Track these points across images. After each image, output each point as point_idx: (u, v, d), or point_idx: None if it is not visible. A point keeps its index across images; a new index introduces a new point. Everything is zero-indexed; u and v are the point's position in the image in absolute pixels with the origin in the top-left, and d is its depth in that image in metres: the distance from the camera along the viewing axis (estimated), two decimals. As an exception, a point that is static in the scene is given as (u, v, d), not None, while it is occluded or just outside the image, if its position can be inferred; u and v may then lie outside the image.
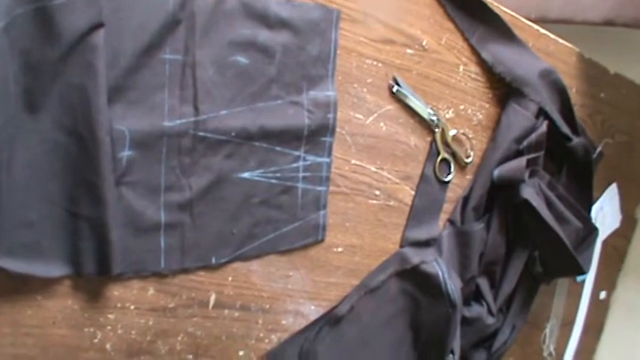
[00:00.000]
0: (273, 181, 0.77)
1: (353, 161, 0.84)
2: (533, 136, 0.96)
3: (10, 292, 0.64)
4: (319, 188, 0.80)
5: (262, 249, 0.78)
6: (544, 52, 1.01)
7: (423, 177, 0.91)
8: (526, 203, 0.94)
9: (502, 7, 0.94)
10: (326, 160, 0.80)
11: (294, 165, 0.78)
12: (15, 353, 0.66)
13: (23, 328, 0.66)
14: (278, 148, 0.76)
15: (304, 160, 0.79)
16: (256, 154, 0.75)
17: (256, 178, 0.76)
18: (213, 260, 0.75)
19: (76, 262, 0.66)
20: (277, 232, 0.79)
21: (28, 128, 0.62)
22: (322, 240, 0.83)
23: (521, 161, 0.95)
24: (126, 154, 0.67)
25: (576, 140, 1.03)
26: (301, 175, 0.79)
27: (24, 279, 0.64)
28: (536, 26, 1.00)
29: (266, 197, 0.77)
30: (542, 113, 0.98)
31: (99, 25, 0.62)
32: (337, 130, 0.81)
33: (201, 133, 0.71)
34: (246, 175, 0.75)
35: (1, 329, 0.65)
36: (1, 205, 0.61)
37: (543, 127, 0.97)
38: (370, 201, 0.87)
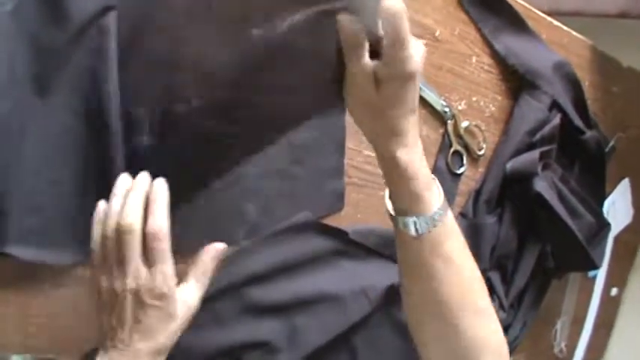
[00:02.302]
0: None
1: (365, 152, 0.83)
2: (546, 129, 0.95)
3: (18, 281, 0.63)
4: None
5: None
6: (557, 45, 1.00)
7: (435, 169, 0.90)
8: (539, 196, 0.93)
9: (516, -1, 0.93)
10: None
11: None
12: (22, 343, 0.65)
13: (31, 318, 0.65)
14: None
15: None
16: None
17: None
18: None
19: (86, 249, 0.65)
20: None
21: (38, 112, 0.61)
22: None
23: (534, 154, 0.94)
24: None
25: (589, 134, 1.02)
26: None
27: (32, 267, 0.63)
28: (549, 18, 0.99)
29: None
30: (555, 106, 0.97)
31: (110, 8, 0.61)
32: (349, 121, 0.80)
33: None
34: None
35: (9, 318, 0.64)
36: (12, 190, 0.60)
37: (556, 119, 0.96)
38: (381, 193, 0.85)
